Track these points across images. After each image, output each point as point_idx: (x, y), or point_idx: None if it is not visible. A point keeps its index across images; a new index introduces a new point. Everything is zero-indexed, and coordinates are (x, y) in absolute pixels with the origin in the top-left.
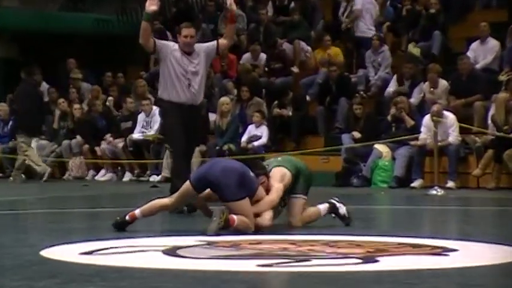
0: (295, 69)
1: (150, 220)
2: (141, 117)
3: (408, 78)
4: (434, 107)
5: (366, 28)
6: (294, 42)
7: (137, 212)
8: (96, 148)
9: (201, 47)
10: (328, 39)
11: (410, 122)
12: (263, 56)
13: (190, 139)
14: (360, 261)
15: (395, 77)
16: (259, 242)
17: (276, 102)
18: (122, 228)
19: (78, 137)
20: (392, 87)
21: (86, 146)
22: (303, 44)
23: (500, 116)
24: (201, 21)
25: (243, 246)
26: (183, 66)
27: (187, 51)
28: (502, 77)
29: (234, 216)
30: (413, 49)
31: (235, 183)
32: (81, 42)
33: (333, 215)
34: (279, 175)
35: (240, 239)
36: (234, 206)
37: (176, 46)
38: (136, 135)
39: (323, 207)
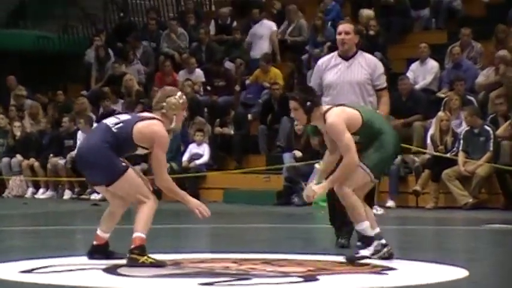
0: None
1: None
2: (80, 135)
3: None
4: None
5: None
6: (235, 61)
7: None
8: (36, 164)
9: None
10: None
11: None
12: (200, 72)
13: None
14: (301, 279)
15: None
16: (201, 261)
17: (217, 120)
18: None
19: (18, 156)
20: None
21: (26, 163)
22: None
23: (437, 135)
24: (140, 39)
25: (185, 265)
26: None
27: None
28: (442, 94)
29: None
30: None
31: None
32: (22, 60)
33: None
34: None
35: (181, 258)
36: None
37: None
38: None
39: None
